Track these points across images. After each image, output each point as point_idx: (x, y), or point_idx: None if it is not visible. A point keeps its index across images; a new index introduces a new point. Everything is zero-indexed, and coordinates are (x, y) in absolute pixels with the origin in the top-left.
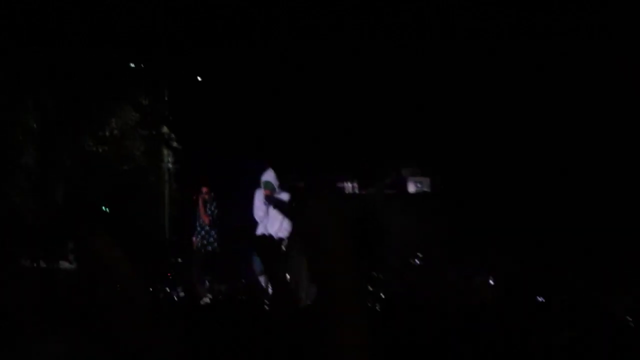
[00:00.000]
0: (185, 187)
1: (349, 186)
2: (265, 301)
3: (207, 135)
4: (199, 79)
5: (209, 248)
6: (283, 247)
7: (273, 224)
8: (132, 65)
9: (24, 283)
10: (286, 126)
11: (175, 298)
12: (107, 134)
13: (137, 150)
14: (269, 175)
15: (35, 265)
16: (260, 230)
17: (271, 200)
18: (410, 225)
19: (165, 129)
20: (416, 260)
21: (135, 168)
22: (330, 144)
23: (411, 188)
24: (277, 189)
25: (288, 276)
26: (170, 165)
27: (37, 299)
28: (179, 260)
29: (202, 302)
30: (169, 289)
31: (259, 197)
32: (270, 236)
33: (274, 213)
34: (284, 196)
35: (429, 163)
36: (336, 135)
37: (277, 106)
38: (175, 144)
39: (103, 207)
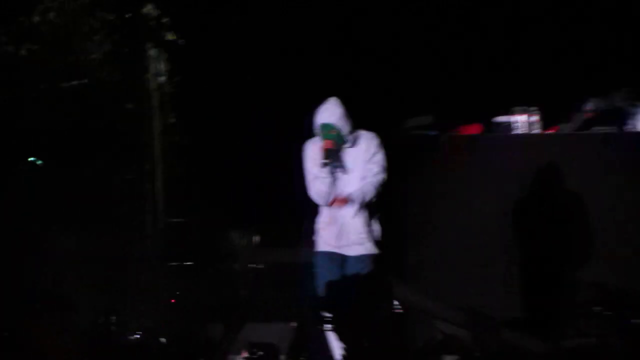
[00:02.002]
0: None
1: (519, 121)
2: None
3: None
4: None
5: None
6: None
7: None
8: None
9: None
10: None
11: None
12: (37, 20)
13: (95, 51)
14: (330, 113)
15: None
16: (322, 234)
17: (337, 162)
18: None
19: (150, 8)
20: None
21: (92, 86)
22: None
23: None
24: (347, 140)
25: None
26: (162, 80)
27: None
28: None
29: None
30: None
31: (312, 156)
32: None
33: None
34: (374, 155)
35: None
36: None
37: None
38: (172, 37)
39: (32, 160)
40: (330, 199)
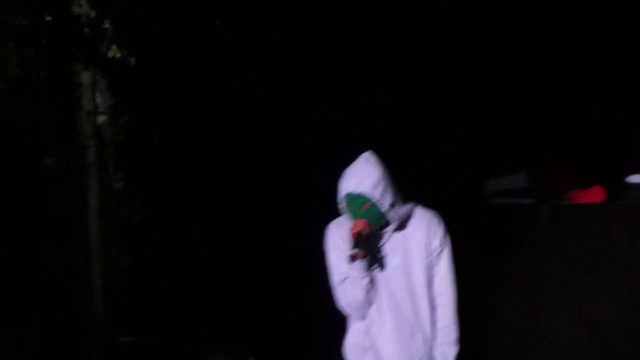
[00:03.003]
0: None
1: None
2: None
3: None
4: None
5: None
6: None
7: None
8: None
9: None
10: None
11: None
12: None
13: None
14: (363, 177)
15: None
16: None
17: (375, 252)
18: None
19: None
20: None
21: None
22: None
23: None
24: (389, 217)
25: None
26: (101, 122)
27: None
28: None
29: None
30: None
31: (336, 246)
32: None
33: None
34: (439, 251)
35: None
36: None
37: None
38: (116, 53)
39: None
40: (367, 310)
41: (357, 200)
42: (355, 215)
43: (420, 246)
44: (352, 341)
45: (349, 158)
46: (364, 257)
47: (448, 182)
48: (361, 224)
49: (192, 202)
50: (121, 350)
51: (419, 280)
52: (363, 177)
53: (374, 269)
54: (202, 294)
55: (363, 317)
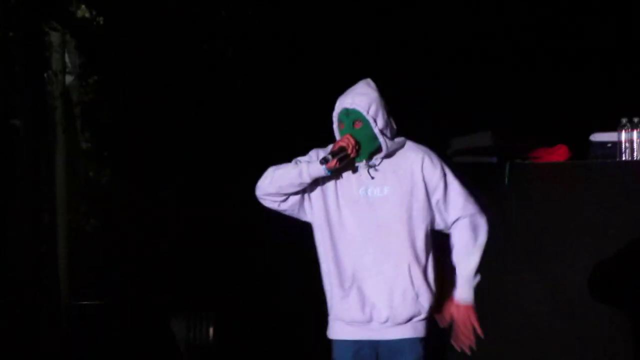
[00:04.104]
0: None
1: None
2: None
3: None
4: None
5: None
6: None
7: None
8: None
9: None
10: None
11: None
12: None
13: None
14: (361, 96)
15: None
16: (337, 308)
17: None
18: None
19: None
20: None
21: None
22: None
23: None
24: (380, 143)
25: None
26: (69, 82)
27: None
28: None
29: None
30: None
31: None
32: None
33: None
34: (444, 183)
35: None
36: None
37: None
38: (85, 13)
39: None
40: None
41: (351, 116)
42: (345, 131)
43: (415, 177)
44: (330, 280)
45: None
46: (332, 168)
47: (412, 139)
48: (349, 139)
49: (160, 164)
50: (83, 313)
51: (409, 211)
52: (360, 94)
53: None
54: (167, 258)
55: (274, 200)
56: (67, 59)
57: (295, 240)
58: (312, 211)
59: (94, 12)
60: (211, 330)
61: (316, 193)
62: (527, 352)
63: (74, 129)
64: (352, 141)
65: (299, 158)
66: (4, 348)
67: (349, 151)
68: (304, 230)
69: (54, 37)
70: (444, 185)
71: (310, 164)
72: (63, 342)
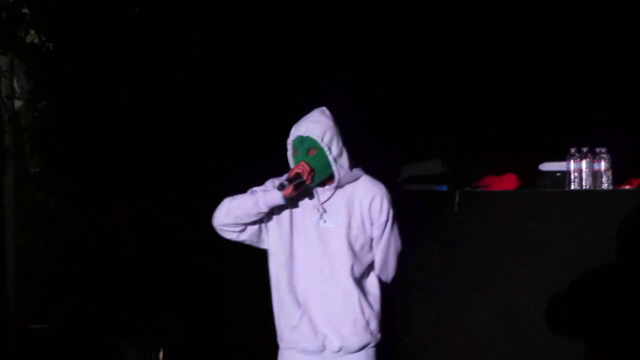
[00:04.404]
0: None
1: (577, 171)
2: None
3: None
4: None
5: None
6: None
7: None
8: None
9: None
10: None
11: None
12: None
13: None
14: (316, 125)
15: None
16: (288, 333)
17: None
18: None
19: None
20: None
21: None
22: None
23: None
24: (333, 172)
25: None
26: (18, 107)
27: None
28: None
29: None
30: None
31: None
32: None
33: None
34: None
35: None
36: None
37: None
38: (34, 39)
39: None
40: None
41: (305, 144)
42: (300, 158)
43: (365, 213)
44: (282, 311)
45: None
46: (289, 195)
47: (364, 168)
48: (304, 166)
49: (108, 189)
50: (32, 337)
51: (357, 244)
52: (314, 122)
53: (292, 209)
54: (115, 283)
55: (234, 234)
56: (15, 84)
57: (247, 266)
58: (268, 239)
59: (43, 38)
60: (160, 356)
61: (272, 223)
62: None
63: (23, 153)
64: (307, 168)
65: (255, 188)
66: None
67: (305, 177)
68: (256, 257)
69: (3, 62)
70: (382, 230)
71: (267, 193)
72: None
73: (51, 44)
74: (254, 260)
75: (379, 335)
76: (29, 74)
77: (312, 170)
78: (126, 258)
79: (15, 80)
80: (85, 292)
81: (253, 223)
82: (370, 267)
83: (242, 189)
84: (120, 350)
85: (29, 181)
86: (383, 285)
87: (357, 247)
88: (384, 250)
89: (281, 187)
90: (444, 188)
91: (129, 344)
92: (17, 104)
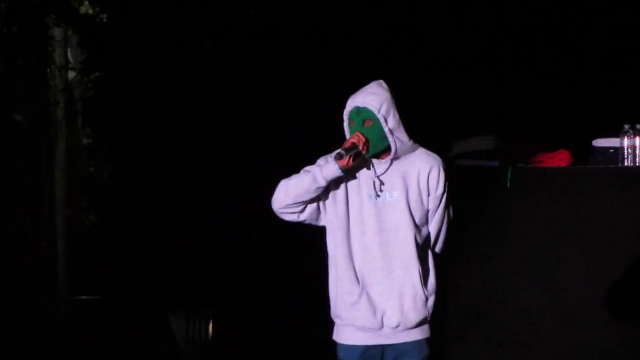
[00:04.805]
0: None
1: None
2: None
3: None
4: None
5: None
6: None
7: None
8: None
9: None
10: None
11: None
12: None
13: None
14: (372, 96)
15: None
16: (347, 313)
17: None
18: None
19: None
20: None
21: None
22: None
23: None
24: (390, 143)
25: None
26: (72, 77)
27: None
28: None
29: None
30: None
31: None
32: None
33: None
34: (440, 188)
35: None
36: None
37: None
38: (89, 10)
39: None
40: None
41: (362, 115)
42: (356, 129)
43: (423, 185)
44: (341, 285)
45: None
46: (346, 166)
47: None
48: (360, 137)
49: (160, 161)
50: (82, 308)
51: (416, 216)
52: (371, 93)
53: (347, 184)
54: (166, 255)
55: (294, 215)
56: (69, 55)
57: (296, 239)
58: (326, 217)
59: (97, 9)
60: (210, 327)
61: (329, 199)
62: (527, 355)
63: (75, 124)
64: (363, 138)
65: (307, 167)
66: (3, 342)
67: (360, 147)
68: (305, 230)
69: (57, 33)
70: (439, 203)
71: (323, 167)
72: (62, 336)
73: (105, 15)
74: (300, 235)
75: (432, 309)
76: (83, 45)
77: (367, 140)
78: (177, 230)
79: (69, 51)
80: (135, 264)
81: (311, 201)
82: (427, 240)
83: (291, 169)
84: (170, 322)
85: (81, 153)
86: (436, 259)
87: (416, 220)
88: (439, 223)
89: (338, 157)
90: (496, 164)
91: (179, 316)
92: (71, 75)
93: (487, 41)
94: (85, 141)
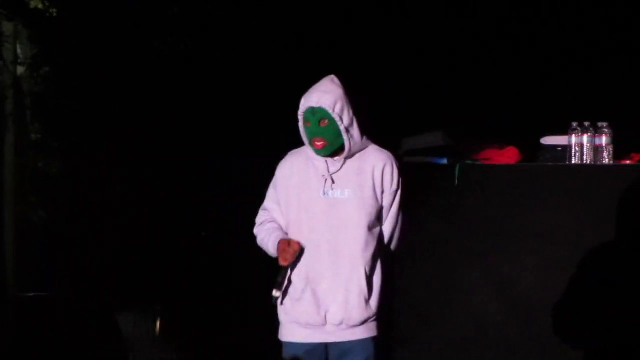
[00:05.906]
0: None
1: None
2: None
3: None
4: None
5: None
6: None
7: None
8: None
9: None
10: None
11: None
12: None
13: None
14: (327, 95)
15: None
16: (290, 311)
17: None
18: None
19: None
20: None
21: None
22: None
23: None
24: (345, 142)
25: None
26: (21, 73)
27: None
28: None
29: None
30: None
31: (285, 173)
32: None
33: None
34: (394, 186)
35: None
36: None
37: None
38: (38, 4)
39: None
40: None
41: (317, 115)
42: (313, 132)
43: (377, 181)
44: (288, 285)
45: None
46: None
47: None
48: (318, 141)
49: (109, 156)
50: (30, 305)
51: (370, 214)
52: (325, 92)
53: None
54: (114, 251)
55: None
56: (18, 50)
57: (246, 237)
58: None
59: (47, 3)
60: (157, 324)
61: (283, 200)
62: (474, 354)
63: (24, 119)
64: (290, 253)
65: (265, 205)
66: None
67: (287, 264)
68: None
69: (6, 27)
70: (393, 199)
71: (269, 247)
72: (9, 333)
73: (55, 10)
74: (252, 234)
75: (377, 308)
76: (32, 40)
77: (294, 252)
78: (126, 227)
79: (18, 46)
80: (83, 260)
81: (275, 211)
82: (379, 239)
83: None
84: (117, 320)
85: (30, 148)
86: (386, 258)
87: (369, 218)
88: (394, 220)
89: (278, 287)
90: (444, 161)
91: (126, 313)
92: (20, 70)
93: (435, 38)
94: (33, 136)
